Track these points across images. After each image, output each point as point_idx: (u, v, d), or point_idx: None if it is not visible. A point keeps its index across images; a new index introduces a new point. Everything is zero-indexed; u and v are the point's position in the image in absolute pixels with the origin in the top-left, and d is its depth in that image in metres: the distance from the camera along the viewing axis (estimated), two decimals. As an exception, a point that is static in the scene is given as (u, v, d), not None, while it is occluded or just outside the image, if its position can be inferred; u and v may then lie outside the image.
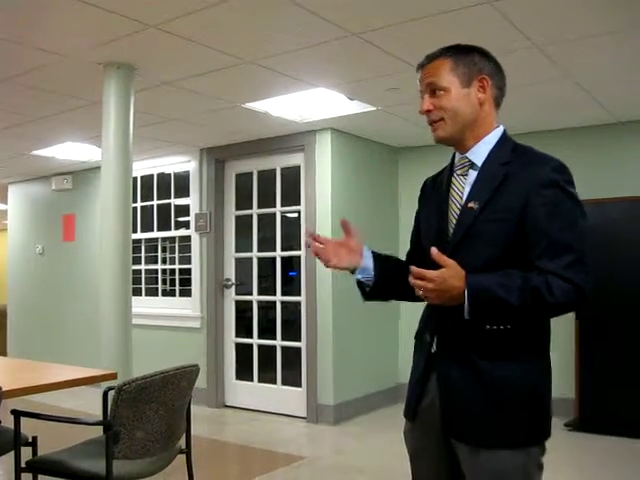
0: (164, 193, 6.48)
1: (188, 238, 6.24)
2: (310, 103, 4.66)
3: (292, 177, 5.59)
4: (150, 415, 2.42)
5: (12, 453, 2.48)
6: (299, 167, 5.52)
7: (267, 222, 5.79)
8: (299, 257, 5.54)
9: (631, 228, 4.79)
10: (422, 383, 1.75)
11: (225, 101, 4.44)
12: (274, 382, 5.67)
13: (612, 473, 3.97)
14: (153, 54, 3.53)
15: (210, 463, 4.21)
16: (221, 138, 5.67)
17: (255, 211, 5.85)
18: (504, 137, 1.74)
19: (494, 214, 1.62)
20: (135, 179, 6.35)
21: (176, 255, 6.44)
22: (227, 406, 5.91)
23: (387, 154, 6.03)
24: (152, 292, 6.61)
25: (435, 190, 1.85)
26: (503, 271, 1.58)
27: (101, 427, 2.41)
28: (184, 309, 6.20)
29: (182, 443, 2.73)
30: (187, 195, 6.25)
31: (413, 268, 1.56)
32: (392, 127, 5.28)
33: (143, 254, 6.68)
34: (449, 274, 1.54)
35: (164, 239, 6.57)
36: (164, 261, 6.59)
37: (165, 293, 6.55)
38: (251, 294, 5.88)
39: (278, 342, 5.67)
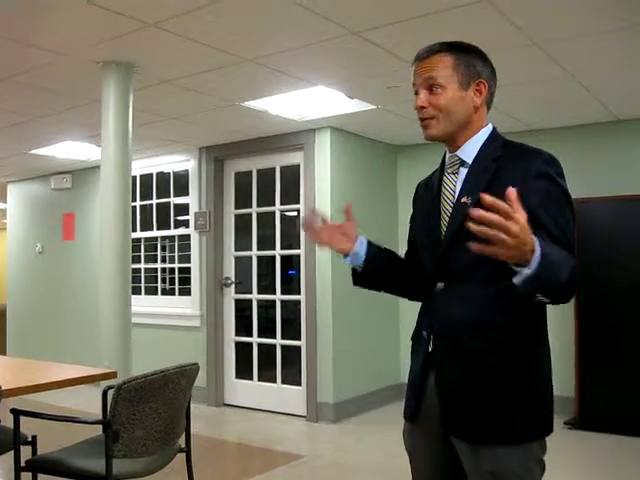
0: (163, 192, 6.48)
1: (187, 237, 6.24)
2: (309, 101, 4.66)
3: (291, 176, 5.59)
4: (150, 414, 2.42)
5: (12, 452, 2.48)
6: (298, 166, 5.52)
7: (266, 221, 5.79)
8: (299, 256, 5.53)
9: (631, 226, 4.79)
10: (420, 383, 1.74)
11: (224, 99, 4.44)
12: (274, 381, 5.67)
13: (612, 471, 3.97)
14: (152, 52, 3.52)
15: (210, 462, 4.21)
16: (220, 137, 5.66)
17: (254, 210, 5.85)
18: (494, 134, 1.74)
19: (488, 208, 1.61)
20: (134, 178, 6.35)
21: (175, 254, 6.44)
22: (227, 405, 5.91)
23: (386, 152, 6.03)
24: (152, 291, 6.61)
25: (427, 192, 1.86)
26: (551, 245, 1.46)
27: (100, 426, 2.41)
28: (184, 308, 6.20)
29: (182, 442, 2.73)
30: (186, 194, 6.24)
31: (485, 197, 1.31)
32: (391, 125, 5.28)
33: (142, 253, 6.67)
34: (527, 224, 1.33)
35: (163, 238, 6.57)
36: (163, 260, 6.59)
37: (165, 292, 6.55)
38: (251, 293, 5.88)
39: (278, 341, 5.67)
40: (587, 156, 5.10)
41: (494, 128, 1.75)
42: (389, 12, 2.98)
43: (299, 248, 5.52)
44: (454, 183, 1.73)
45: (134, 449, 2.41)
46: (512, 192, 1.32)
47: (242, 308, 5.99)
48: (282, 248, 5.68)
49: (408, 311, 5.71)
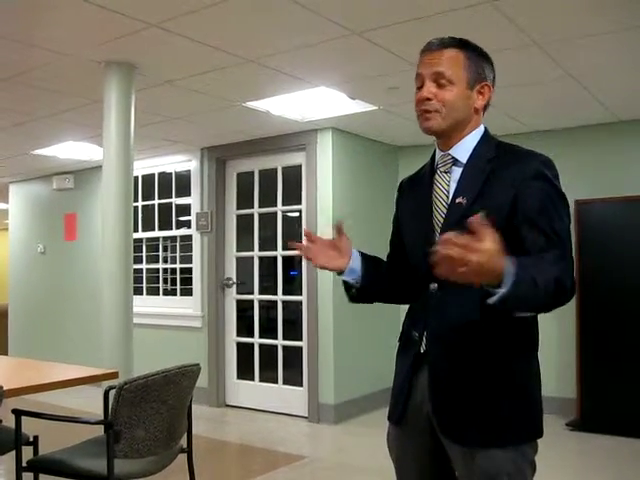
0: (165, 192, 6.48)
1: (189, 237, 6.24)
2: (311, 102, 4.66)
3: (293, 176, 5.59)
4: (151, 414, 2.42)
5: (13, 452, 2.48)
6: (300, 166, 5.52)
7: (268, 221, 5.78)
8: (300, 256, 5.51)
9: (632, 227, 4.78)
10: (409, 384, 1.71)
11: (226, 100, 4.44)
12: (275, 381, 5.66)
13: (613, 473, 3.96)
14: (154, 53, 3.52)
15: (211, 462, 4.21)
16: (222, 137, 5.67)
17: (256, 210, 5.85)
18: (486, 135, 1.74)
19: (484, 208, 1.59)
20: (136, 178, 6.33)
21: (177, 254, 6.45)
22: (228, 405, 5.91)
23: (388, 153, 6.03)
24: (153, 291, 6.61)
25: (414, 190, 1.83)
26: (529, 257, 1.49)
27: (102, 426, 2.41)
28: (185, 308, 6.20)
29: (183, 442, 2.73)
30: (188, 194, 6.25)
31: (453, 237, 1.30)
32: (393, 126, 5.28)
33: (144, 253, 6.68)
34: (495, 250, 1.31)
35: (165, 238, 6.58)
36: (165, 260, 6.59)
37: (166, 292, 6.55)
38: (252, 293, 5.88)
39: (279, 341, 5.67)
40: (588, 157, 5.10)
41: (486, 129, 1.75)
42: (391, 13, 2.98)
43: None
44: (447, 182, 1.71)
45: (136, 449, 2.41)
46: (475, 220, 1.31)
47: (244, 309, 5.99)
48: (284, 249, 5.68)
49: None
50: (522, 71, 3.74)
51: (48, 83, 3.97)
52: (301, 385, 5.46)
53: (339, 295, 5.17)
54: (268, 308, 5.86)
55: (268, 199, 5.77)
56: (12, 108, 4.60)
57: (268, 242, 5.78)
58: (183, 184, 6.31)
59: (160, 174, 6.54)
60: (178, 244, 6.43)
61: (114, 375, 2.92)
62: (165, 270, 6.58)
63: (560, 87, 4.13)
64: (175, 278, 6.46)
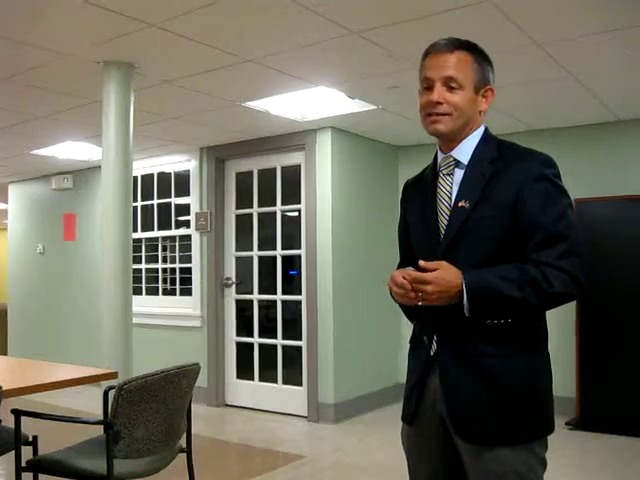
0: (164, 192, 6.48)
1: (188, 237, 6.24)
2: (310, 102, 4.66)
3: (292, 176, 5.59)
4: (151, 414, 2.42)
5: (13, 452, 2.48)
6: (299, 166, 5.52)
7: (267, 221, 5.78)
8: (300, 256, 5.53)
9: (631, 227, 4.78)
10: (421, 386, 1.73)
11: (225, 100, 4.44)
12: (275, 381, 5.66)
13: (613, 472, 3.96)
14: (153, 52, 3.52)
15: (211, 462, 4.21)
16: (221, 137, 5.67)
17: (255, 210, 5.85)
18: (486, 134, 1.74)
19: (486, 211, 1.62)
20: (135, 178, 6.34)
21: (176, 254, 6.44)
22: (228, 405, 5.91)
23: (387, 153, 6.03)
24: (153, 291, 6.61)
25: (418, 192, 1.84)
26: (499, 266, 1.59)
27: (102, 426, 2.40)
28: (185, 308, 6.20)
29: (183, 442, 2.73)
30: (187, 194, 6.24)
31: (411, 273, 1.58)
32: (392, 126, 5.28)
33: (144, 253, 6.67)
34: (445, 273, 1.56)
35: (164, 238, 6.57)
36: (164, 260, 6.59)
37: (166, 292, 6.55)
38: (252, 293, 5.88)
39: (279, 341, 5.66)
40: (587, 156, 5.10)
41: (486, 128, 1.76)
42: (390, 13, 2.97)
43: (300, 248, 5.52)
44: (450, 185, 1.72)
45: (135, 449, 2.41)
46: (421, 264, 1.58)
47: (243, 308, 5.98)
48: (283, 248, 5.68)
49: (409, 311, 5.70)
50: (521, 70, 3.74)
51: (47, 83, 3.97)
52: (300, 385, 5.46)
53: (338, 294, 5.20)
54: (267, 308, 5.86)
55: (267, 199, 5.76)
56: (11, 108, 4.60)
57: (267, 242, 5.78)
58: (182, 184, 6.31)
59: (159, 174, 6.53)
60: (177, 244, 6.43)
61: (113, 375, 2.92)
62: (164, 270, 6.58)
63: (559, 86, 4.13)
64: (174, 278, 6.46)
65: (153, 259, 6.66)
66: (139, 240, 6.56)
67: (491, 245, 1.62)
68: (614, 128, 5.08)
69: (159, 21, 3.04)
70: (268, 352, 5.74)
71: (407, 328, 6.24)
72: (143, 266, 6.65)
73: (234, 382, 5.92)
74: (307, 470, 4.15)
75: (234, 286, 5.98)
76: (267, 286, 5.82)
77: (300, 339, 5.48)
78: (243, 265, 5.98)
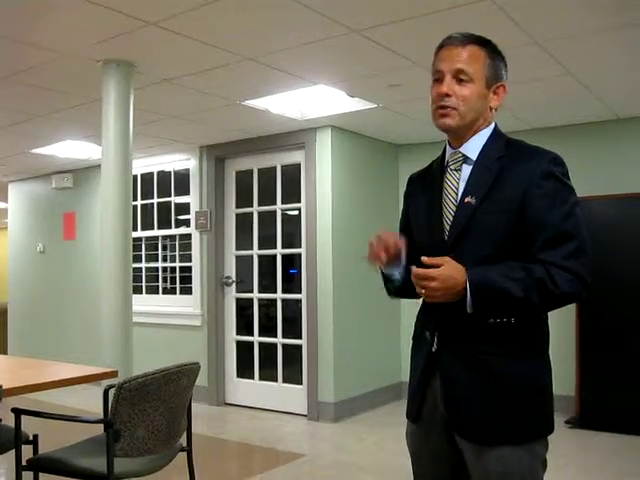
0: (164, 191, 6.48)
1: (188, 236, 6.24)
2: (310, 100, 4.66)
3: (292, 174, 5.59)
4: (151, 413, 2.42)
5: (13, 451, 2.48)
6: (299, 164, 5.52)
7: (267, 220, 5.78)
8: (300, 255, 5.53)
9: (631, 225, 4.78)
10: (424, 383, 1.73)
11: (225, 98, 4.43)
12: (275, 380, 5.67)
13: (613, 470, 3.96)
14: (153, 51, 3.52)
15: (211, 461, 4.21)
16: (221, 136, 5.66)
17: (255, 209, 5.85)
18: (496, 132, 1.73)
19: (493, 207, 1.61)
20: (135, 177, 6.34)
21: (176, 253, 6.44)
22: (228, 404, 5.91)
23: (387, 151, 6.03)
24: (153, 290, 6.61)
25: (424, 187, 1.83)
26: (503, 263, 1.57)
27: (102, 425, 2.40)
28: (185, 307, 6.20)
29: (183, 441, 2.73)
30: (187, 193, 6.24)
31: (415, 269, 1.55)
32: (392, 124, 5.27)
33: (144, 252, 6.67)
34: (449, 270, 1.54)
35: (164, 237, 6.57)
36: (164, 259, 6.59)
37: (166, 291, 6.55)
38: (252, 292, 5.88)
39: (279, 340, 5.67)
40: (587, 155, 5.10)
41: (496, 125, 1.75)
42: (390, 11, 2.97)
43: (300, 247, 5.52)
44: (457, 180, 1.71)
45: (135, 448, 2.40)
46: (424, 260, 1.56)
47: (243, 307, 5.99)
48: (283, 247, 5.68)
49: (409, 310, 5.71)
50: (522, 68, 3.73)
51: (46, 82, 3.96)
52: (300, 383, 5.46)
53: (339, 293, 5.20)
54: (268, 306, 5.86)
55: (267, 197, 5.76)
56: (11, 107, 4.60)
57: (267, 240, 5.78)
58: (182, 183, 6.30)
59: (159, 173, 6.53)
60: (177, 243, 6.43)
61: (114, 374, 2.92)
62: (164, 269, 6.58)
63: (559, 84, 4.13)
64: (174, 277, 6.46)
65: (153, 258, 6.66)
66: (139, 239, 6.56)
67: (496, 242, 1.61)
68: (614, 126, 5.08)
69: (159, 20, 3.04)
70: (268, 351, 5.74)
71: (407, 327, 6.23)
72: (143, 265, 6.65)
73: (234, 381, 5.92)
74: (307, 469, 4.15)
75: (234, 285, 5.98)
76: (267, 285, 5.83)
77: (300, 338, 5.48)
78: (243, 264, 5.98)
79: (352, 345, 5.42)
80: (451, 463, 1.72)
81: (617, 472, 3.92)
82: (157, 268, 6.62)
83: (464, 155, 1.71)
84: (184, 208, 6.30)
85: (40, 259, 7.56)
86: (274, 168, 5.71)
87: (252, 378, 5.82)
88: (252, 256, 5.87)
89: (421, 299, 1.70)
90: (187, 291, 6.24)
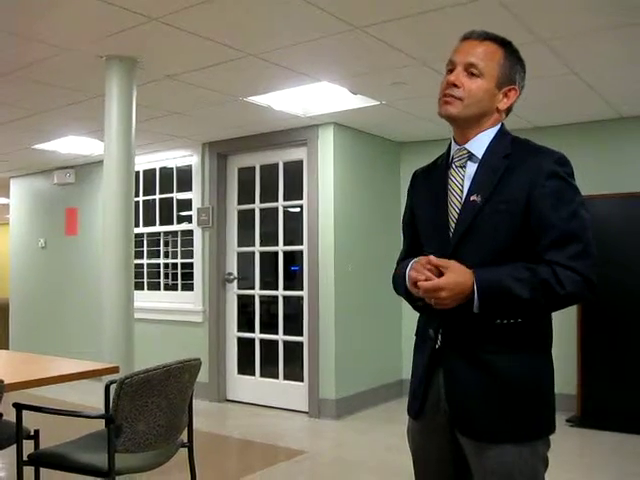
0: (166, 187, 6.48)
1: (190, 232, 6.24)
2: (313, 97, 4.65)
3: (295, 171, 5.58)
4: (152, 409, 2.42)
5: (14, 446, 2.48)
6: (302, 161, 5.51)
7: (269, 216, 5.78)
8: (301, 252, 5.53)
9: (633, 224, 4.78)
10: (426, 380, 1.72)
11: (228, 95, 4.43)
12: (276, 376, 5.67)
13: (614, 469, 3.96)
14: (156, 47, 3.52)
15: (212, 457, 4.21)
16: (223, 132, 5.66)
17: (257, 205, 5.85)
18: (502, 130, 1.73)
19: (498, 206, 1.60)
20: (137, 173, 6.35)
21: (178, 249, 6.44)
22: (229, 400, 5.92)
23: (389, 149, 6.02)
24: (154, 286, 6.61)
25: (429, 183, 1.82)
26: (509, 264, 1.57)
27: (103, 420, 2.41)
28: (186, 303, 6.20)
29: (184, 437, 2.73)
30: (189, 189, 6.24)
31: (422, 285, 1.56)
32: (395, 122, 5.27)
33: (145, 248, 6.68)
34: (456, 275, 1.54)
35: (166, 233, 6.57)
36: (166, 255, 6.59)
37: (167, 287, 6.55)
38: (253, 288, 5.88)
39: (280, 336, 5.67)
40: (590, 153, 5.08)
41: (502, 124, 1.74)
42: (393, 8, 2.96)
43: (302, 244, 5.51)
44: (462, 177, 1.70)
45: (136, 444, 2.41)
46: (432, 260, 1.56)
47: (244, 304, 5.99)
48: (285, 244, 5.68)
49: (410, 308, 5.69)
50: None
51: (49, 78, 3.96)
52: (302, 380, 5.46)
53: (340, 290, 5.20)
54: (269, 303, 5.86)
55: (269, 194, 5.76)
56: (13, 103, 4.59)
57: (269, 237, 5.78)
58: (184, 179, 6.30)
59: (161, 169, 6.53)
60: (179, 239, 6.43)
61: (115, 369, 2.92)
62: (166, 265, 6.58)
63: (562, 83, 4.12)
64: (176, 273, 6.46)
65: (155, 254, 6.66)
66: (141, 235, 6.57)
67: (501, 241, 1.60)
68: (617, 125, 5.07)
69: (162, 15, 3.04)
70: (269, 348, 5.74)
71: (408, 324, 6.24)
72: (145, 261, 6.65)
73: (235, 377, 5.93)
74: (308, 465, 4.16)
75: (236, 281, 5.98)
76: (269, 282, 5.83)
77: (301, 335, 5.48)
78: (245, 260, 5.98)
79: (353, 342, 5.42)
80: (454, 461, 1.71)
81: (618, 471, 3.92)
82: (159, 264, 6.62)
83: (469, 152, 1.70)
84: (186, 204, 6.30)
85: (42, 255, 7.57)
86: (276, 165, 5.70)
87: (253, 375, 5.82)
88: (254, 253, 5.87)
89: None
90: (189, 287, 6.25)
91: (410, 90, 4.22)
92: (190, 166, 6.24)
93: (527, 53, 3.71)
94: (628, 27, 3.17)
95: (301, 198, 5.51)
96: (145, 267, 6.65)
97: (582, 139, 5.16)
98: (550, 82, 4.10)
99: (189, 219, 6.27)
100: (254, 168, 5.86)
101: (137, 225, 6.28)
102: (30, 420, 2.59)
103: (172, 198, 6.44)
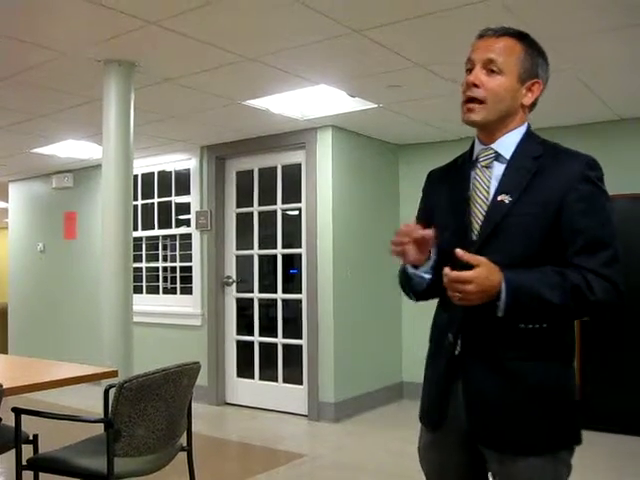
0: (165, 191, 6.48)
1: (189, 236, 6.24)
2: (311, 100, 4.65)
3: (293, 174, 5.59)
4: (151, 412, 2.42)
5: (13, 451, 2.48)
6: (300, 164, 5.52)
7: (268, 220, 5.78)
8: (300, 255, 5.53)
9: (633, 225, 4.78)
10: (445, 389, 1.64)
11: (226, 98, 4.43)
12: (275, 380, 5.66)
13: (614, 471, 3.96)
14: (154, 51, 3.52)
15: (211, 461, 4.21)
16: (222, 135, 5.66)
17: (256, 209, 5.85)
18: (530, 132, 1.68)
19: (528, 208, 1.55)
20: (136, 177, 6.33)
21: (177, 253, 6.44)
22: (228, 404, 5.91)
23: (388, 151, 6.02)
24: (153, 290, 6.61)
25: (447, 183, 1.74)
26: (537, 267, 1.50)
27: (102, 425, 2.40)
28: (185, 307, 6.20)
29: (183, 441, 2.73)
30: (188, 193, 6.24)
31: (449, 272, 1.44)
32: (393, 124, 5.27)
33: (144, 252, 6.67)
34: (486, 271, 1.44)
35: (165, 237, 6.57)
36: (165, 259, 6.59)
37: (166, 291, 6.55)
38: (252, 292, 5.88)
39: (279, 340, 5.66)
40: (589, 155, 5.08)
41: (529, 125, 1.69)
42: (391, 11, 2.97)
43: (300, 247, 5.51)
44: (488, 178, 1.63)
45: (136, 448, 2.41)
46: (459, 253, 1.44)
47: (243, 307, 5.99)
48: (284, 247, 5.68)
49: (410, 310, 5.70)
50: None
51: (47, 82, 3.96)
52: (301, 383, 5.46)
53: (339, 293, 5.20)
54: (268, 306, 5.86)
55: (268, 197, 5.76)
56: (11, 107, 4.59)
57: (268, 240, 5.78)
58: (183, 183, 6.30)
59: (160, 173, 6.53)
60: (178, 242, 6.43)
61: (114, 374, 2.92)
62: (165, 269, 6.58)
63: (562, 85, 4.12)
64: (175, 276, 6.46)
65: (153, 258, 6.66)
66: (140, 239, 6.56)
67: (529, 244, 1.55)
68: (616, 127, 5.07)
69: (160, 19, 3.04)
70: (268, 351, 5.74)
71: (408, 327, 6.20)
72: (143, 265, 6.64)
73: (234, 381, 5.92)
74: (307, 469, 4.15)
75: (234, 285, 5.98)
76: (267, 285, 5.83)
77: (300, 338, 5.48)
78: (243, 264, 5.98)
79: (353, 345, 5.41)
80: (475, 471, 1.66)
81: (618, 473, 3.92)
82: (157, 268, 6.62)
83: (496, 152, 1.64)
84: (184, 208, 6.30)
85: (41, 258, 7.56)
86: (275, 168, 5.71)
87: (252, 378, 5.82)
88: (252, 256, 5.87)
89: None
90: (187, 291, 6.24)
91: (407, 93, 4.22)
92: (188, 169, 6.25)
93: (525, 55, 3.69)
94: (627, 29, 3.17)
95: (299, 201, 5.51)
96: (144, 271, 6.64)
97: (581, 141, 5.11)
98: (548, 84, 4.08)
99: (188, 222, 6.27)
100: (252, 171, 5.87)
101: (136, 229, 6.27)
102: (29, 424, 2.58)
103: (171, 202, 6.44)
